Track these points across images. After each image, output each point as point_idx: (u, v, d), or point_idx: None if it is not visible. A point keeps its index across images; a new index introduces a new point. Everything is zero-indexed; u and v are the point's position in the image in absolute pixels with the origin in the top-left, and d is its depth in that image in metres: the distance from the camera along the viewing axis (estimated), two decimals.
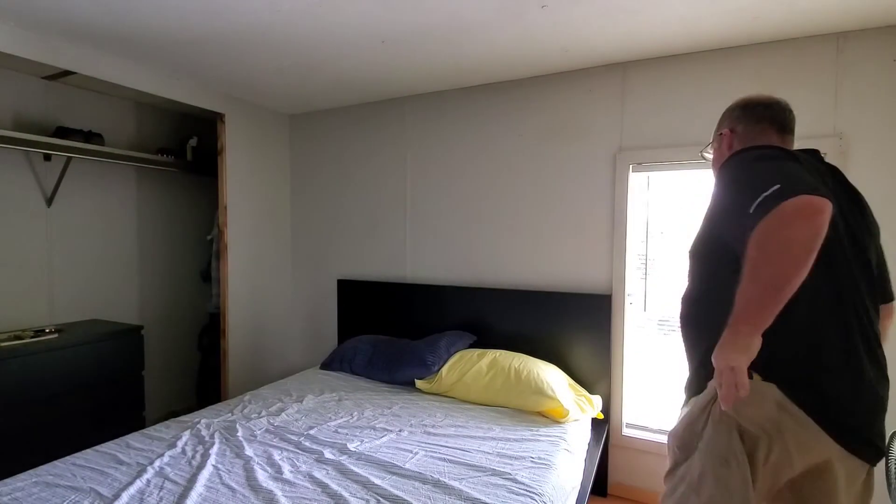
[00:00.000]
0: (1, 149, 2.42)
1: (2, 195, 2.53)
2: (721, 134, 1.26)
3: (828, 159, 2.00)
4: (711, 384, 1.03)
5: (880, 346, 1.08)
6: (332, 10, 1.94)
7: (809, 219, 0.88)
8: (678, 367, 1.36)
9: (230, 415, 2.16)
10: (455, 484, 1.56)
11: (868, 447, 1.03)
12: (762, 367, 0.99)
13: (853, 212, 1.13)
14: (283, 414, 2.18)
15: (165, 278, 3.37)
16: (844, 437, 1.00)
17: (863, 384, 1.02)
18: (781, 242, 0.88)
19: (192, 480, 1.58)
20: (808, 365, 1.01)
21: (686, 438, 1.09)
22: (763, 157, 1.05)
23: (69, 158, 2.65)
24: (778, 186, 0.91)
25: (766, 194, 0.91)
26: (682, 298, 1.22)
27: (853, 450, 1.01)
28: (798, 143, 2.25)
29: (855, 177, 2.09)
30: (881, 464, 1.36)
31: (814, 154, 1.17)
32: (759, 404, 0.99)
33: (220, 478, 1.61)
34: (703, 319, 1.14)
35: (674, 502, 1.07)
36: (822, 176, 1.08)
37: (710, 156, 1.36)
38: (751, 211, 0.91)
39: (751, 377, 0.97)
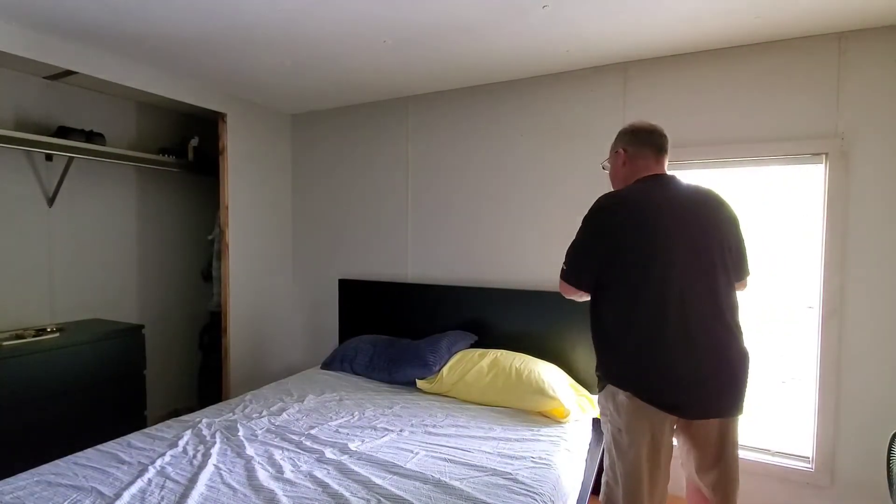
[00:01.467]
0: (2, 149, 2.42)
1: (3, 195, 2.54)
2: (616, 152, 1.64)
3: (829, 159, 2.09)
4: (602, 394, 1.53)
5: (716, 327, 1.42)
6: (334, 10, 1.94)
7: (561, 291, 1.65)
8: None
9: (231, 414, 2.16)
10: (456, 484, 1.56)
11: (692, 409, 1.42)
12: (604, 377, 1.51)
13: (697, 219, 1.48)
14: (284, 413, 2.18)
15: (166, 278, 3.37)
16: (671, 410, 1.40)
17: (672, 365, 1.39)
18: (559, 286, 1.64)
19: (193, 480, 1.58)
20: (629, 366, 1.45)
21: (603, 415, 1.55)
22: (591, 219, 1.54)
23: (71, 158, 2.66)
24: (564, 268, 1.59)
25: (563, 265, 1.60)
26: None
27: (684, 415, 1.43)
28: (798, 144, 2.26)
29: (856, 176, 2.11)
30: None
31: (655, 178, 1.55)
32: (606, 399, 1.51)
33: (222, 477, 1.61)
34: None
35: (606, 448, 1.53)
36: (636, 210, 1.48)
37: (607, 168, 1.73)
38: (563, 264, 1.60)
39: (604, 387, 1.51)
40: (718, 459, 1.49)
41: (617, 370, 1.48)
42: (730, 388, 1.43)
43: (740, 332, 1.46)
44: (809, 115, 2.16)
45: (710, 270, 1.44)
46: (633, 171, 1.58)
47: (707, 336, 1.41)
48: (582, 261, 1.55)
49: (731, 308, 1.46)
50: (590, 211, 1.55)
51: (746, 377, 1.45)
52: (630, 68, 2.49)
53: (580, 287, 1.56)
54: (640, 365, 1.42)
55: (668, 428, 1.43)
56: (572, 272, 1.56)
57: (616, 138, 1.67)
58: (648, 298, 1.42)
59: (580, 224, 1.56)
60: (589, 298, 1.58)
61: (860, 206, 2.09)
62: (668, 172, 1.59)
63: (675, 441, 1.53)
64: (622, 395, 1.44)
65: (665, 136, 1.59)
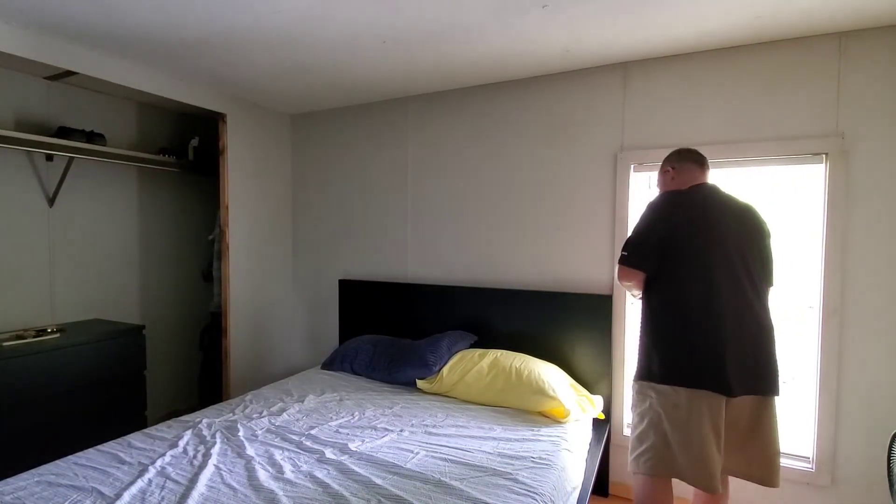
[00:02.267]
0: (3, 149, 2.43)
1: (4, 195, 2.54)
2: (665, 171, 1.87)
3: (830, 159, 2.11)
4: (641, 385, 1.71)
5: (753, 315, 1.62)
6: (333, 11, 1.94)
7: (620, 277, 1.78)
8: None
9: (231, 414, 2.17)
10: (456, 484, 1.56)
11: (725, 385, 1.56)
12: (651, 371, 1.67)
13: (738, 224, 1.68)
14: (284, 414, 2.18)
15: (167, 278, 3.37)
16: (721, 391, 1.56)
17: (721, 353, 1.57)
18: (618, 273, 1.79)
19: (193, 480, 1.58)
20: (683, 357, 1.62)
21: (641, 394, 1.70)
22: (645, 219, 1.74)
23: (71, 158, 2.66)
24: (624, 254, 1.73)
25: (623, 252, 1.74)
26: None
27: (730, 394, 1.56)
28: (798, 144, 2.26)
29: (857, 176, 2.11)
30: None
31: (702, 186, 1.76)
32: (646, 389, 1.68)
33: (222, 477, 1.61)
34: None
35: (652, 421, 1.64)
36: (692, 207, 1.70)
37: (656, 184, 1.94)
38: (623, 249, 1.75)
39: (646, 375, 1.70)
40: (749, 435, 1.64)
41: (670, 362, 1.63)
42: (766, 369, 1.62)
43: (773, 329, 1.67)
44: (810, 115, 2.16)
45: (747, 270, 1.64)
46: (681, 183, 1.80)
47: (748, 328, 1.61)
48: (643, 246, 1.72)
49: (766, 307, 1.67)
50: (648, 206, 1.77)
51: (778, 364, 1.65)
52: (630, 68, 2.49)
53: (641, 268, 1.71)
54: (693, 355, 1.60)
55: (722, 408, 1.58)
56: (633, 256, 1.72)
57: (663, 162, 1.89)
58: (696, 292, 1.61)
59: (640, 217, 1.77)
60: (640, 293, 1.77)
61: (860, 205, 2.09)
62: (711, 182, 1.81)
63: None
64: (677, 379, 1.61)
65: (703, 155, 1.84)
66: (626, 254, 1.73)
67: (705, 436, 1.55)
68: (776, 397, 1.65)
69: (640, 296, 1.77)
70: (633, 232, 1.75)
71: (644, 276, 1.71)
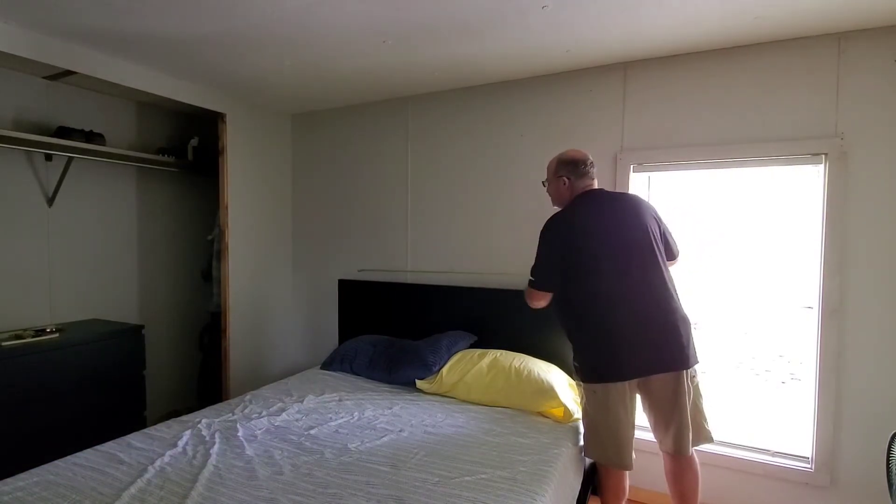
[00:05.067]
0: (2, 149, 2.42)
1: (3, 195, 2.53)
2: (560, 178, 2.02)
3: (829, 159, 2.11)
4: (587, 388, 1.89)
5: (648, 301, 1.80)
6: (334, 10, 1.94)
7: (532, 299, 1.99)
8: None
9: (231, 415, 2.16)
10: (456, 484, 1.56)
11: (617, 373, 1.79)
12: (576, 370, 1.92)
13: (623, 217, 1.90)
14: (283, 414, 2.18)
15: (166, 278, 3.37)
16: (628, 378, 1.80)
17: (617, 347, 1.79)
18: (527, 296, 2.02)
19: (193, 480, 1.58)
20: (592, 358, 1.86)
21: (578, 388, 1.99)
22: (544, 239, 1.94)
23: (70, 158, 2.65)
24: (532, 280, 1.95)
25: (531, 278, 1.96)
26: None
27: (638, 375, 1.80)
28: (798, 144, 2.26)
29: (856, 176, 2.12)
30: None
31: (590, 194, 1.97)
32: (577, 383, 1.97)
33: (221, 478, 1.61)
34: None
35: (583, 412, 1.93)
36: (576, 223, 1.90)
37: (546, 186, 2.12)
38: (531, 276, 1.96)
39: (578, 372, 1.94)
40: (673, 411, 1.81)
41: (580, 360, 1.88)
42: (672, 345, 1.77)
43: (677, 301, 1.84)
44: (809, 116, 2.16)
45: (642, 257, 1.83)
46: (574, 191, 2.00)
47: (646, 311, 1.78)
48: (545, 270, 1.93)
49: (665, 283, 1.83)
50: (541, 233, 1.95)
51: (688, 336, 1.81)
52: (630, 68, 2.49)
53: (548, 289, 1.94)
54: (588, 352, 1.85)
55: (625, 392, 1.81)
56: (540, 281, 1.94)
57: (558, 166, 2.03)
58: (587, 296, 1.83)
59: (538, 244, 1.95)
60: (544, 306, 1.99)
61: (860, 206, 2.09)
62: (597, 187, 2.02)
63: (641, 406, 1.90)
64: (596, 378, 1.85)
65: (593, 162, 2.02)
66: (534, 279, 1.95)
67: (614, 418, 1.80)
68: (691, 369, 1.81)
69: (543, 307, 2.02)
70: (536, 260, 1.95)
71: (551, 294, 1.96)
